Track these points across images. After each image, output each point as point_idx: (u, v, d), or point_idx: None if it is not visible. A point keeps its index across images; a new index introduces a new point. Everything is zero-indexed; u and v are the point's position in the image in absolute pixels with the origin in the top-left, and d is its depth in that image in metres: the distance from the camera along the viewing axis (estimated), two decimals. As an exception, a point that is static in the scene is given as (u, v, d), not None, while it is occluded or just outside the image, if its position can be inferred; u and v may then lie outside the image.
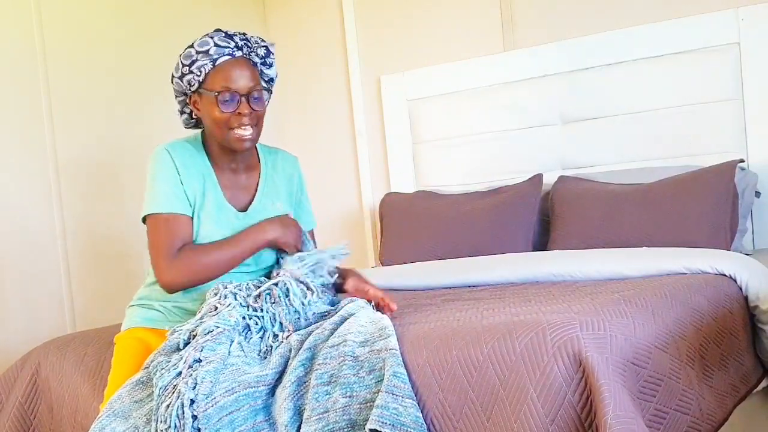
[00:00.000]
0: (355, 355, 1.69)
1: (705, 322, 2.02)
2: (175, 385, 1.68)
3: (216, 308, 1.84)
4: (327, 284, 1.99)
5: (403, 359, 1.69)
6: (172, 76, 2.05)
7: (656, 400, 1.65)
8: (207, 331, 1.77)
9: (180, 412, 1.63)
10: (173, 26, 3.53)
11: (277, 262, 2.04)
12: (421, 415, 1.61)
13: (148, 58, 3.40)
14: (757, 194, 2.87)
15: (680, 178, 2.84)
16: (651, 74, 3.10)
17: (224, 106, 1.94)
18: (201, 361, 1.70)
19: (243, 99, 1.95)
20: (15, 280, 2.90)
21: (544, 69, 3.32)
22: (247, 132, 1.96)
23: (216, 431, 1.62)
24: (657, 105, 3.08)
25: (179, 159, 1.99)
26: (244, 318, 1.83)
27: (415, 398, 1.63)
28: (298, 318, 1.86)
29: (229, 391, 1.67)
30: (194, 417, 1.63)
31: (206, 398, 1.64)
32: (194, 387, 1.65)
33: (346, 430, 1.59)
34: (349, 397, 1.62)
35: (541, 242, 3.06)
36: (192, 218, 1.98)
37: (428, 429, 1.64)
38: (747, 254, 2.62)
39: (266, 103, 2.06)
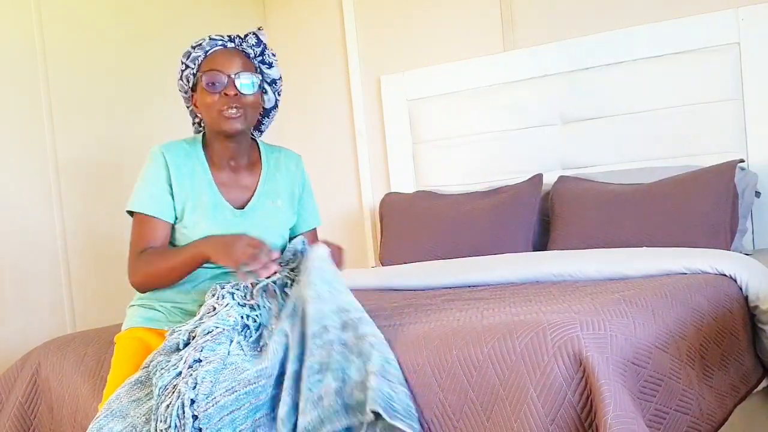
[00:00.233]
0: (343, 341, 1.69)
1: (705, 322, 2.02)
2: (175, 385, 1.68)
3: (214, 308, 1.84)
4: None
5: (403, 359, 1.69)
6: (178, 81, 2.07)
7: (656, 400, 1.65)
8: (206, 331, 1.77)
9: (180, 411, 1.63)
10: (173, 26, 3.53)
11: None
12: (413, 404, 1.61)
13: (148, 58, 3.41)
14: (757, 194, 2.87)
15: (680, 178, 2.84)
16: (651, 74, 3.10)
17: (210, 87, 1.97)
18: (201, 361, 1.70)
19: (229, 80, 1.96)
20: (15, 280, 2.90)
21: (544, 69, 3.32)
22: (233, 111, 1.96)
23: (217, 431, 1.62)
24: (657, 105, 3.08)
25: (172, 159, 2.00)
26: (242, 317, 1.83)
27: (407, 386, 1.63)
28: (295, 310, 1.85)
29: (229, 390, 1.67)
30: (195, 417, 1.62)
31: (206, 398, 1.64)
32: (194, 387, 1.65)
33: (340, 413, 1.59)
34: (342, 381, 1.63)
35: (541, 242, 3.06)
36: (170, 222, 2.00)
37: (428, 429, 1.64)
38: (747, 254, 2.62)
39: (261, 96, 2.07)
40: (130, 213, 2.02)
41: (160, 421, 1.65)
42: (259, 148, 2.14)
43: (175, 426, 1.62)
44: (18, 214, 2.93)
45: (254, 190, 2.08)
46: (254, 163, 2.11)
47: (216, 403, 1.64)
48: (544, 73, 3.33)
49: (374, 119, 3.83)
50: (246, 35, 2.05)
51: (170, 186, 1.99)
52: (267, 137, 2.26)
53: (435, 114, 3.59)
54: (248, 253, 1.78)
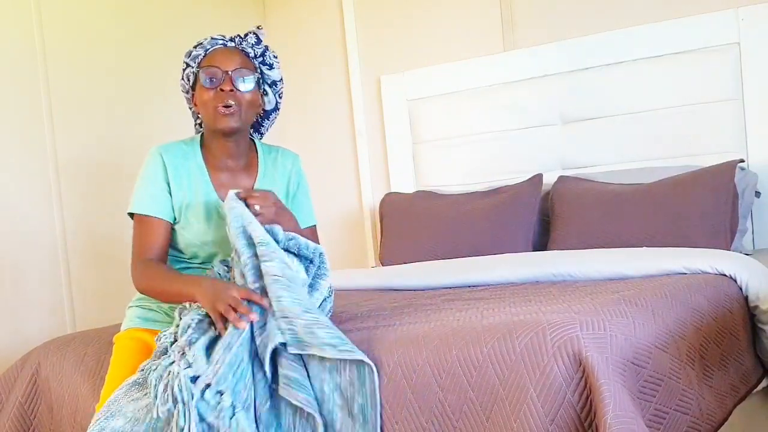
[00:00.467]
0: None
1: (705, 322, 2.02)
2: (169, 372, 1.69)
3: (186, 307, 1.85)
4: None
5: (403, 359, 1.70)
6: (180, 81, 2.09)
7: (656, 400, 1.65)
8: (187, 325, 1.77)
9: (180, 387, 1.64)
10: (173, 26, 3.53)
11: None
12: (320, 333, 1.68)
13: (148, 58, 3.41)
14: (757, 194, 2.87)
15: (680, 178, 2.84)
16: (651, 74, 3.10)
17: (208, 82, 1.98)
18: (190, 345, 1.71)
19: (226, 76, 1.97)
20: (15, 280, 2.90)
21: (544, 69, 3.32)
22: (229, 105, 1.97)
23: (234, 385, 1.64)
24: (657, 105, 3.08)
25: (170, 160, 2.01)
26: None
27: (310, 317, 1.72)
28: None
29: (226, 348, 1.68)
30: (205, 387, 1.64)
31: (209, 366, 1.65)
32: (188, 367, 1.66)
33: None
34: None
35: (541, 242, 3.06)
36: (170, 222, 2.00)
37: (428, 428, 1.64)
38: (747, 254, 2.62)
39: (261, 98, 2.08)
40: (131, 216, 2.02)
41: (161, 404, 1.65)
42: (256, 149, 2.14)
43: (181, 400, 1.62)
44: (18, 214, 2.93)
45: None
46: (251, 164, 2.11)
47: (224, 362, 1.65)
48: (544, 73, 3.33)
49: (374, 119, 3.83)
50: (246, 34, 2.06)
51: (168, 186, 1.99)
52: (267, 137, 2.26)
53: (435, 114, 3.59)
54: (227, 306, 1.73)
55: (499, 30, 3.50)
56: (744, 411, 2.13)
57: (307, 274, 1.91)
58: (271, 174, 2.12)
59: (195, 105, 2.06)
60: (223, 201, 2.03)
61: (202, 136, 2.10)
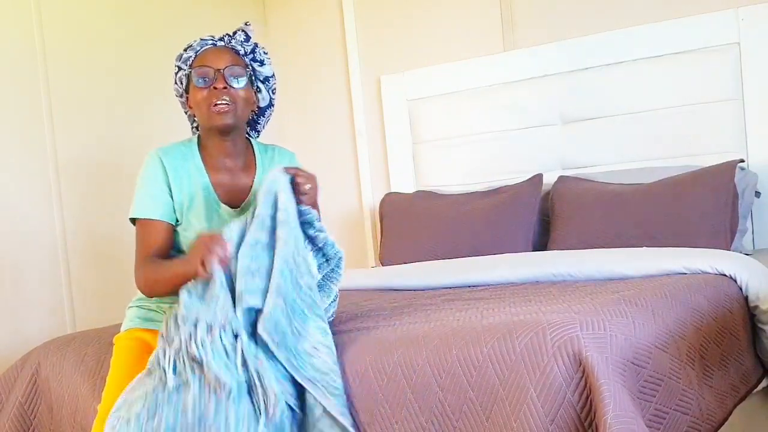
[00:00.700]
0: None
1: (705, 322, 2.02)
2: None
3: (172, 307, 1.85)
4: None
5: (403, 359, 1.70)
6: (173, 86, 2.10)
7: (656, 400, 1.65)
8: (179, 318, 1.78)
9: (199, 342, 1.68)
10: (173, 26, 3.53)
11: None
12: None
13: (148, 58, 3.41)
14: (757, 194, 2.87)
15: (680, 178, 2.84)
16: (651, 74, 3.10)
17: (200, 81, 1.99)
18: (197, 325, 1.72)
19: (218, 74, 1.98)
20: (15, 280, 2.90)
21: (544, 69, 3.32)
22: (223, 103, 1.97)
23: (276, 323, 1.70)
24: (657, 105, 3.08)
25: (169, 162, 2.01)
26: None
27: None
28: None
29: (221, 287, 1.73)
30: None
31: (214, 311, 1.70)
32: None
33: None
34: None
35: (541, 242, 3.06)
36: (171, 223, 2.00)
37: (428, 428, 1.64)
38: (747, 254, 2.62)
39: (255, 95, 2.09)
40: (133, 222, 2.02)
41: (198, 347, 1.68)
42: (253, 149, 2.15)
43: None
44: (18, 214, 2.93)
45: (249, 190, 2.08)
46: (249, 163, 2.11)
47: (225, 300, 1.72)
48: (544, 73, 3.33)
49: (374, 119, 3.83)
50: (235, 32, 2.08)
51: (169, 188, 1.99)
52: (266, 137, 2.26)
53: (435, 114, 3.59)
54: (205, 255, 1.77)
55: (499, 30, 3.50)
56: (744, 411, 2.13)
57: (319, 271, 1.91)
58: (268, 172, 2.12)
59: (190, 108, 2.07)
60: (223, 201, 2.03)
61: (199, 137, 2.10)
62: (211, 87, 1.98)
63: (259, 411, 1.66)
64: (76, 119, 3.14)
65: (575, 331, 1.59)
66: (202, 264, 1.76)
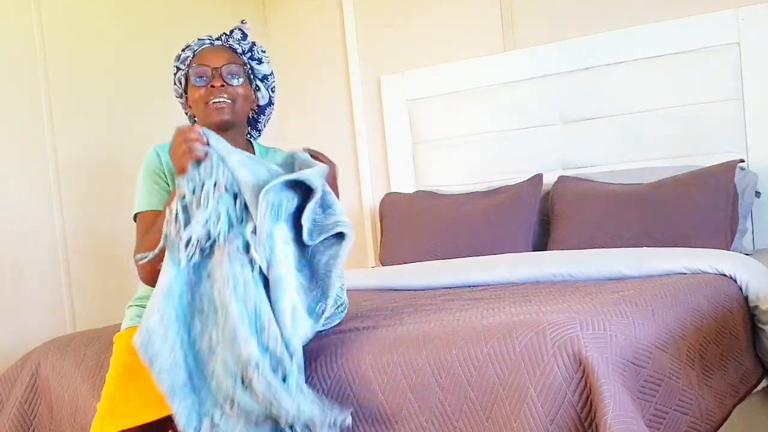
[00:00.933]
0: None
1: (705, 322, 2.02)
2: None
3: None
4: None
5: (403, 359, 1.70)
6: (173, 86, 2.11)
7: (656, 400, 1.65)
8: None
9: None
10: (173, 26, 3.53)
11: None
12: None
13: (148, 58, 3.41)
14: (757, 194, 2.87)
15: (680, 178, 2.84)
16: (651, 74, 3.10)
17: (198, 80, 2.00)
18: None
19: (216, 73, 1.99)
20: (15, 280, 2.90)
21: (544, 69, 3.32)
22: (221, 100, 1.98)
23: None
24: (657, 105, 3.08)
25: (166, 157, 2.00)
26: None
27: None
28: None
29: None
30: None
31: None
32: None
33: None
34: None
35: (541, 242, 3.06)
36: None
37: (428, 428, 1.64)
38: (747, 254, 2.62)
39: (254, 93, 2.09)
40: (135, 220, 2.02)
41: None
42: (253, 150, 2.15)
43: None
44: (18, 214, 2.93)
45: None
46: None
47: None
48: (544, 73, 3.33)
49: (374, 119, 3.83)
50: (231, 31, 2.09)
51: (166, 182, 1.99)
52: (266, 137, 2.26)
53: (435, 114, 3.59)
54: (183, 151, 1.77)
55: (499, 30, 3.50)
56: (744, 411, 2.13)
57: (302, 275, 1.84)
58: None
59: (189, 107, 2.08)
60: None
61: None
62: (209, 85, 1.99)
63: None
64: (76, 119, 3.14)
65: (575, 331, 1.59)
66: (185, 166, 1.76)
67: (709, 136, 3.00)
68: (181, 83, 2.08)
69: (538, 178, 3.16)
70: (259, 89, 2.12)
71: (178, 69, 2.07)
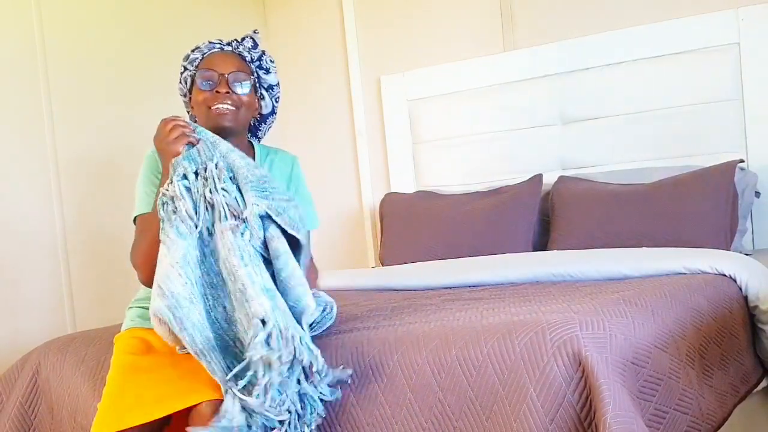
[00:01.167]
0: None
1: (705, 322, 2.02)
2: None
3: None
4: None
5: (403, 359, 1.70)
6: (178, 84, 2.10)
7: (656, 400, 1.65)
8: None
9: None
10: (173, 26, 3.53)
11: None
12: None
13: (148, 57, 3.41)
14: (757, 194, 2.87)
15: (680, 178, 2.84)
16: (651, 74, 3.10)
17: (204, 84, 2.00)
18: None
19: (223, 79, 1.99)
20: (15, 280, 2.90)
21: (544, 69, 3.32)
22: (224, 106, 1.98)
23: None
24: (657, 105, 3.08)
25: None
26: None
27: None
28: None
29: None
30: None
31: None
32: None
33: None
34: None
35: (541, 242, 3.06)
36: None
37: (428, 428, 1.64)
38: (747, 254, 2.62)
39: (258, 102, 2.09)
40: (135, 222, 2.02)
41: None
42: (254, 151, 2.15)
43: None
44: (18, 214, 2.93)
45: None
46: None
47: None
48: (544, 73, 3.33)
49: (374, 119, 3.83)
50: (243, 38, 2.08)
51: None
52: (267, 137, 2.26)
53: (435, 114, 3.59)
54: (175, 131, 1.85)
55: (499, 30, 3.50)
56: (744, 411, 2.13)
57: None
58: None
59: (192, 108, 2.08)
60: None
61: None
62: (214, 91, 1.99)
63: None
64: (76, 119, 3.14)
65: (575, 331, 1.59)
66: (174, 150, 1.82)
67: (709, 136, 3.00)
68: (186, 83, 2.07)
69: (538, 178, 3.16)
70: (263, 98, 2.12)
71: (186, 69, 2.06)
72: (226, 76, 1.99)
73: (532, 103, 3.34)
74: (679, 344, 1.83)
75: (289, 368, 1.66)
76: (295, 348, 1.65)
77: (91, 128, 3.19)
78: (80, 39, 3.19)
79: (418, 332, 1.76)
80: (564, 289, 2.20)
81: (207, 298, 1.76)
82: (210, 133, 1.88)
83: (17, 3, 2.99)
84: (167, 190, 1.80)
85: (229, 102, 1.99)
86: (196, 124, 1.91)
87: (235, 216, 1.76)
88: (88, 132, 3.17)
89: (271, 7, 4.09)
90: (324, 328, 1.92)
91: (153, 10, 3.49)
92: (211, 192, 1.78)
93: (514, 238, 3.03)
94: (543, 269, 2.50)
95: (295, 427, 1.68)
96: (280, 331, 1.64)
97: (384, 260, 3.35)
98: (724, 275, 2.30)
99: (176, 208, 1.78)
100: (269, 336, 1.64)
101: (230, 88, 1.99)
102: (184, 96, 2.11)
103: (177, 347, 1.76)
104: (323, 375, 1.70)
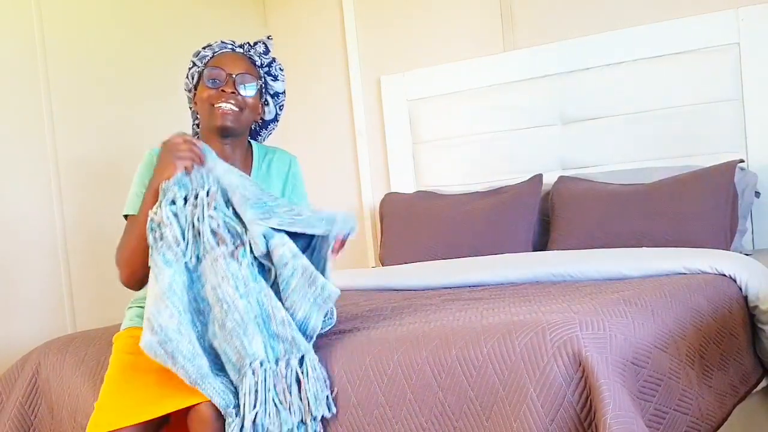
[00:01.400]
0: None
1: (705, 322, 2.02)
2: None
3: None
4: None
5: (403, 359, 1.70)
6: (185, 79, 2.11)
7: (656, 400, 1.66)
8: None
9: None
10: (173, 26, 3.53)
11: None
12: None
13: (149, 58, 3.41)
14: (757, 194, 2.87)
15: (680, 178, 2.84)
16: (651, 74, 3.10)
17: (210, 82, 2.00)
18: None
19: (230, 79, 2.00)
20: (15, 280, 2.90)
21: (544, 69, 3.32)
22: (227, 105, 1.99)
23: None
24: (657, 105, 3.08)
25: None
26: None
27: None
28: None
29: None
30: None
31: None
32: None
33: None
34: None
35: (541, 242, 3.06)
36: None
37: (428, 428, 1.64)
38: (747, 254, 2.62)
39: (261, 107, 2.10)
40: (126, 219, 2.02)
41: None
42: (252, 151, 2.15)
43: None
44: (18, 214, 2.93)
45: None
46: (246, 167, 2.11)
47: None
48: (544, 73, 3.33)
49: (374, 119, 3.83)
50: (255, 43, 2.09)
51: None
52: (271, 139, 2.27)
53: (435, 114, 3.59)
54: (185, 151, 1.85)
55: (499, 30, 3.50)
56: (744, 411, 2.13)
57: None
58: (265, 176, 2.12)
59: (195, 104, 2.08)
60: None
61: (199, 139, 2.10)
62: (219, 89, 1.99)
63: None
64: (76, 119, 3.14)
65: (575, 331, 1.59)
66: (178, 164, 1.83)
67: (709, 136, 3.00)
68: (193, 78, 2.07)
69: (538, 178, 3.16)
70: (267, 104, 2.13)
71: (194, 65, 2.07)
72: (234, 76, 2.00)
73: (532, 103, 3.34)
74: (679, 344, 1.83)
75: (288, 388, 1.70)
76: (289, 375, 1.69)
77: (91, 128, 3.19)
78: (80, 39, 3.19)
79: (418, 332, 1.76)
80: (564, 289, 2.20)
81: (196, 325, 1.76)
82: (213, 154, 1.88)
83: (17, 3, 2.99)
84: (155, 214, 1.80)
85: (233, 102, 1.99)
86: (209, 150, 1.90)
87: (231, 241, 1.77)
88: (88, 132, 3.17)
89: (271, 7, 4.09)
90: (326, 329, 1.92)
91: (153, 11, 3.49)
92: (198, 220, 1.78)
93: (514, 238, 3.03)
94: (543, 269, 2.50)
95: None
96: (276, 365, 1.70)
97: (384, 260, 3.35)
98: (724, 275, 2.30)
99: (163, 234, 1.78)
100: (263, 372, 1.68)
101: (236, 89, 1.99)
102: (189, 91, 2.11)
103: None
104: (319, 398, 1.71)
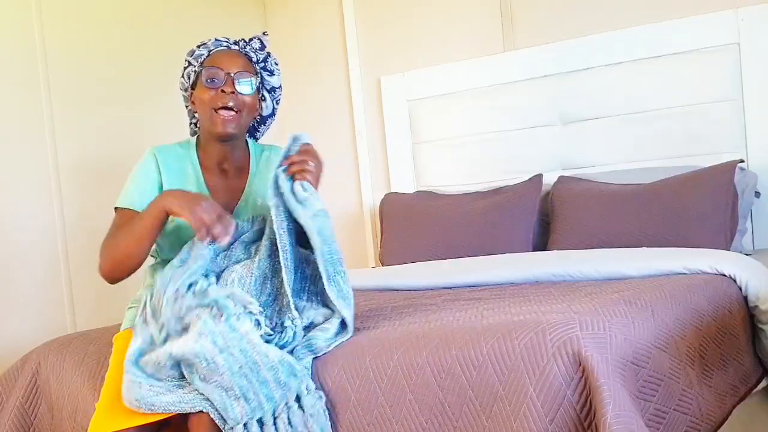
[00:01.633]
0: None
1: (705, 322, 2.02)
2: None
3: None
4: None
5: (403, 359, 1.70)
6: (180, 78, 2.09)
7: (656, 400, 1.65)
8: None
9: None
10: (174, 26, 3.53)
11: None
12: None
13: (149, 58, 3.41)
14: (757, 194, 2.87)
15: (680, 178, 2.84)
16: (651, 74, 3.10)
17: (209, 83, 1.99)
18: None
19: (228, 78, 1.98)
20: (15, 280, 2.90)
21: (544, 69, 3.32)
22: (229, 114, 1.98)
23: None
24: (657, 105, 3.08)
25: (164, 161, 2.01)
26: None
27: None
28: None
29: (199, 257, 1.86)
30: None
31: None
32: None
33: None
34: None
35: (541, 242, 3.06)
36: None
37: (428, 428, 1.64)
38: (747, 254, 2.62)
39: (259, 102, 2.09)
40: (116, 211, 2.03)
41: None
42: (249, 149, 2.15)
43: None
44: (18, 214, 2.93)
45: (242, 193, 2.08)
46: (243, 165, 2.12)
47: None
48: (545, 74, 3.33)
49: (374, 119, 3.83)
50: (251, 39, 2.07)
51: (160, 186, 1.99)
52: (267, 137, 2.26)
53: (435, 114, 3.59)
54: (212, 216, 1.80)
55: (499, 30, 3.50)
56: (744, 411, 2.13)
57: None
58: (263, 174, 2.12)
59: (192, 104, 2.07)
60: (216, 203, 2.03)
61: (197, 138, 2.11)
62: (219, 90, 1.98)
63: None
64: (76, 119, 3.14)
65: (575, 331, 1.59)
66: (199, 222, 1.80)
67: (709, 136, 3.00)
68: (189, 78, 2.06)
69: (538, 178, 3.16)
70: (264, 99, 2.12)
71: (190, 64, 2.05)
72: (232, 75, 1.99)
73: (531, 103, 3.34)
74: (679, 344, 1.83)
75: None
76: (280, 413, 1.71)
77: (91, 128, 3.19)
78: (80, 39, 3.19)
79: (418, 332, 1.76)
80: (564, 289, 2.20)
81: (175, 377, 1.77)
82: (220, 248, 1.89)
83: (17, 3, 2.99)
84: (155, 300, 1.84)
85: (233, 102, 1.98)
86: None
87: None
88: (88, 132, 3.17)
89: (271, 7, 4.09)
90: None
91: (153, 11, 3.49)
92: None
93: (514, 238, 3.03)
94: (543, 269, 2.49)
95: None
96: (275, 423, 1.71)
97: (384, 260, 3.35)
98: (724, 275, 2.30)
99: (146, 319, 1.84)
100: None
101: (235, 88, 1.98)
102: (185, 91, 2.10)
103: None
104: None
